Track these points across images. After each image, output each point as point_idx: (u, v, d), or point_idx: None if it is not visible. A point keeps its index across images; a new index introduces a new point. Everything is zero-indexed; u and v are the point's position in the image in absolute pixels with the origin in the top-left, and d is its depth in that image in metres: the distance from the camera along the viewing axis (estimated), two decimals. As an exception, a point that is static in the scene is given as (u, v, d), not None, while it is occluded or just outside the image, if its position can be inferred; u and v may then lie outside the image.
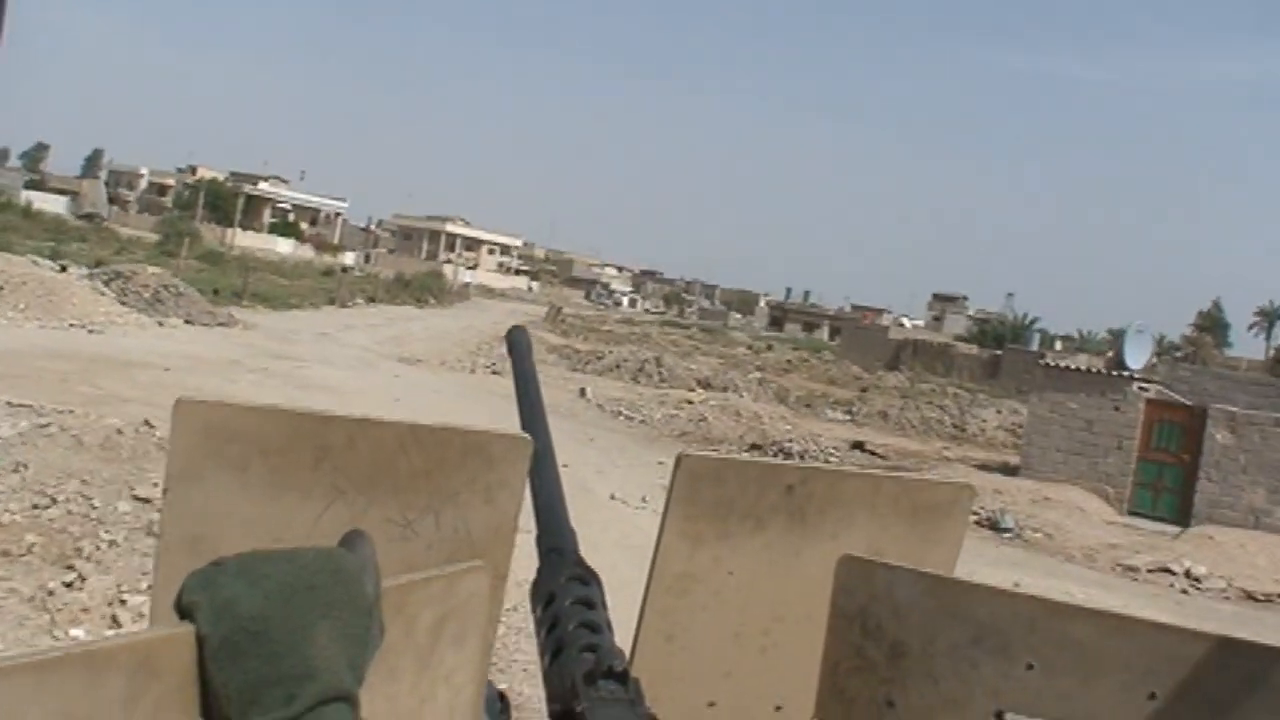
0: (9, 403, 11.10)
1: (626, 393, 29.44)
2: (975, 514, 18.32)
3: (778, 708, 1.48)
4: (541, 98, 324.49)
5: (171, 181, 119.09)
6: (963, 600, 1.31)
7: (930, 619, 1.33)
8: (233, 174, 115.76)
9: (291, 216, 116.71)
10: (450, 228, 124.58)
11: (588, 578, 1.10)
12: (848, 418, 33.79)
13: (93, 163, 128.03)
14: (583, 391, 28.16)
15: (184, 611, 0.81)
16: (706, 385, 33.20)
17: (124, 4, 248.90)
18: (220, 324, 29.55)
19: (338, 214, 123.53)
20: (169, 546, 1.13)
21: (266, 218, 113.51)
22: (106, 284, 28.97)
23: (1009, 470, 25.04)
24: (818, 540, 1.44)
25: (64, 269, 30.62)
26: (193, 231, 74.63)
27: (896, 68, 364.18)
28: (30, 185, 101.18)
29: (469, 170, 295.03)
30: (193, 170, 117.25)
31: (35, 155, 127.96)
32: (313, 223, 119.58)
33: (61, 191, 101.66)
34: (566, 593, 1.07)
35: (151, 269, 31.56)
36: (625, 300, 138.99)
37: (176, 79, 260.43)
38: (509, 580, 1.21)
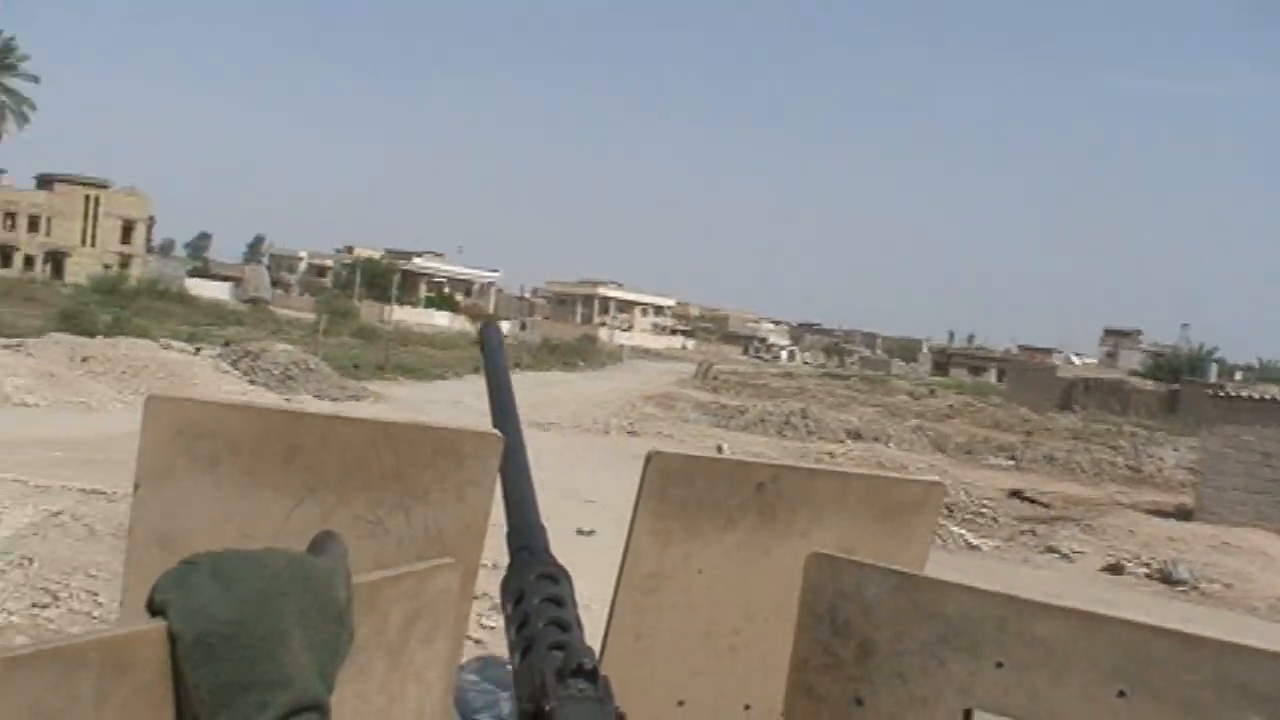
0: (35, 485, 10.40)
1: (768, 447, 28.26)
2: (1144, 566, 16.46)
3: (747, 706, 1.47)
4: (691, 158, 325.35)
5: (330, 262, 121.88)
6: (932, 598, 1.31)
7: (899, 617, 1.33)
8: (388, 251, 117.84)
9: (447, 289, 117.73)
10: (604, 291, 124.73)
11: (557, 575, 1.07)
12: (1010, 463, 31.82)
13: (255, 249, 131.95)
14: (719, 449, 26.88)
15: (156, 609, 0.83)
16: (856, 436, 31.70)
17: (279, 100, 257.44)
18: (351, 398, 29.18)
19: (491, 284, 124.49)
20: (139, 544, 1.12)
21: (423, 292, 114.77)
22: (235, 363, 28.77)
23: (1184, 514, 22.94)
24: (788, 538, 1.43)
25: (198, 350, 30.61)
26: (348, 309, 75.93)
27: (1050, 101, 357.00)
28: (194, 273, 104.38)
29: (621, 234, 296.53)
30: (349, 250, 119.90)
31: (199, 244, 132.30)
32: (467, 294, 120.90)
33: (225, 278, 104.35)
34: (536, 590, 1.04)
35: (281, 346, 31.54)
36: (784, 354, 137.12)
37: (332, 165, 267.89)
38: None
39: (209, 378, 26.07)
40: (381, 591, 1.05)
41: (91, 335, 29.95)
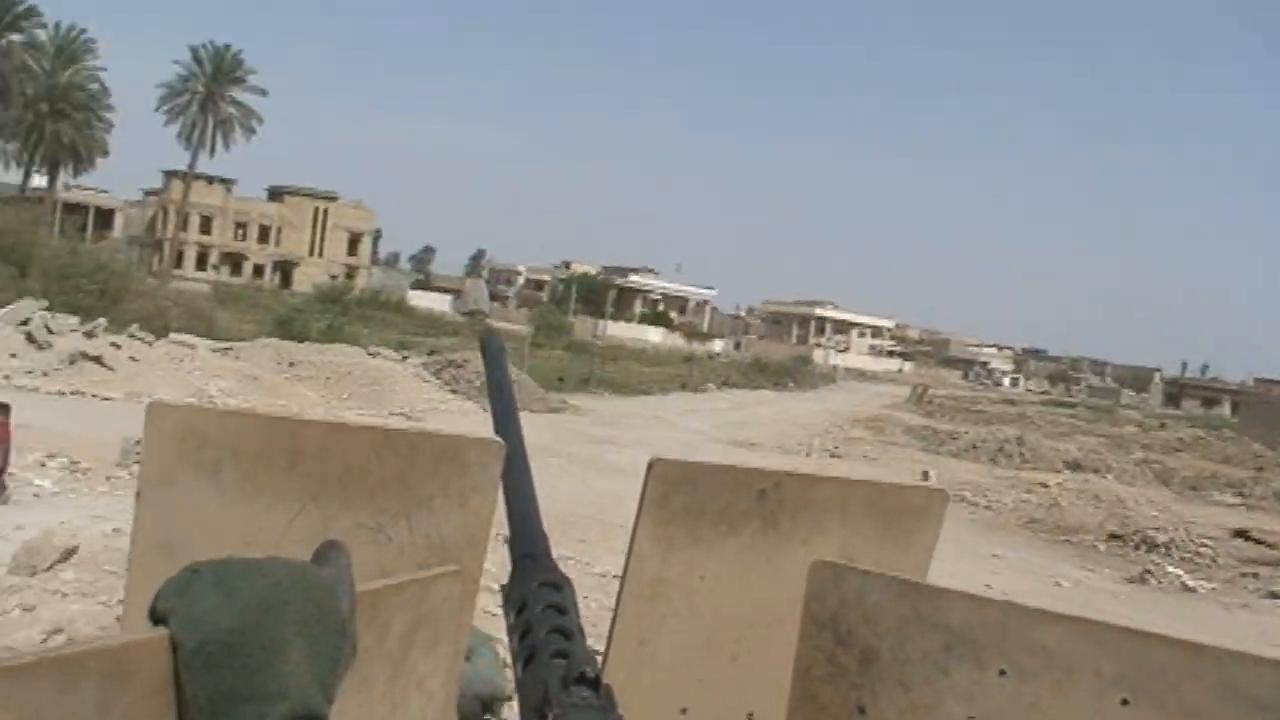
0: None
1: (979, 475, 27.09)
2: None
3: (750, 714, 1.48)
4: (912, 178, 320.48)
5: (547, 277, 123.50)
6: (935, 606, 1.32)
7: (902, 625, 1.34)
8: (604, 268, 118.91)
9: (661, 306, 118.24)
10: (820, 312, 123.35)
11: (560, 583, 1.07)
12: (1238, 500, 29.83)
13: (476, 263, 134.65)
14: (925, 475, 25.86)
15: (158, 617, 0.84)
16: (1075, 467, 30.11)
17: (505, 116, 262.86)
18: (551, 410, 29.04)
19: (705, 302, 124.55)
20: (141, 550, 1.14)
21: (638, 308, 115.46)
22: (437, 372, 28.99)
23: None
24: (790, 545, 1.44)
25: (405, 359, 31.01)
26: (561, 323, 76.91)
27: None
28: (416, 285, 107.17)
29: (840, 254, 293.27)
30: (567, 266, 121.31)
31: (422, 258, 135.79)
32: (682, 311, 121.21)
33: (446, 290, 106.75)
34: (539, 599, 1.04)
35: (464, 354, 31.58)
36: (1006, 380, 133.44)
37: (554, 181, 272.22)
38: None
39: (409, 385, 26.32)
40: (384, 599, 1.06)
41: (303, 341, 30.52)
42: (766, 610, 1.45)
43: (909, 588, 1.35)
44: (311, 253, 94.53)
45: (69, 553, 8.46)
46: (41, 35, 72.09)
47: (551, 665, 0.96)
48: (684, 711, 1.44)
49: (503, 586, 1.10)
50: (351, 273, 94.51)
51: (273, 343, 27.58)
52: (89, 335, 24.06)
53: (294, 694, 0.83)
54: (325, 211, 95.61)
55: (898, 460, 29.26)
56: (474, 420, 25.46)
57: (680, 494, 1.37)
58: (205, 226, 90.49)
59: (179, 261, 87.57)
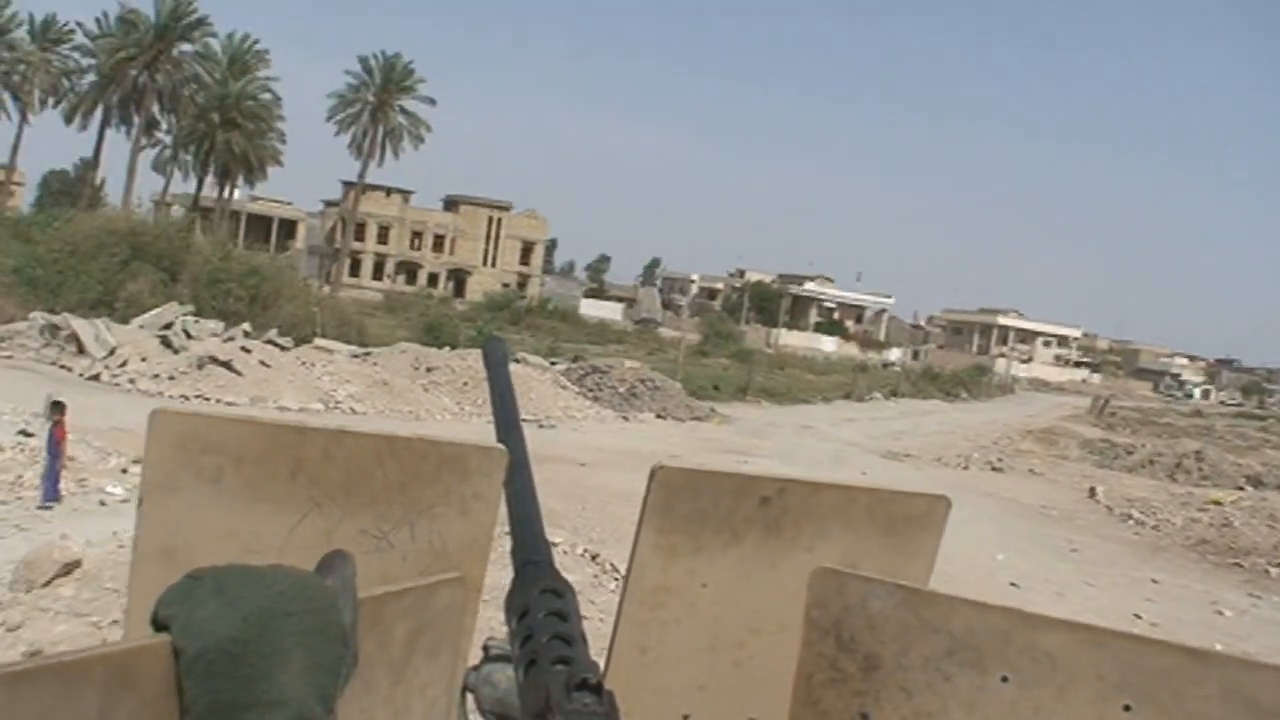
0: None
1: (1152, 492, 25.59)
2: None
3: None
4: (1103, 181, 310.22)
5: (721, 285, 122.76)
6: (937, 612, 1.33)
7: (904, 631, 1.35)
8: (780, 276, 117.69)
9: (836, 315, 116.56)
10: (1002, 320, 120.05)
11: (562, 590, 1.07)
12: None
13: (650, 271, 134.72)
14: (1092, 491, 24.28)
15: (160, 624, 0.85)
16: (1257, 483, 28.02)
17: (682, 123, 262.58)
18: (695, 418, 28.39)
19: (882, 311, 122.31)
20: (143, 557, 1.14)
21: (812, 317, 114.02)
22: (581, 379, 28.46)
23: None
24: (793, 552, 1.44)
25: (553, 364, 30.70)
26: (730, 331, 76.25)
27: None
28: (589, 294, 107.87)
29: (1023, 261, 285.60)
30: (741, 274, 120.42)
31: (598, 267, 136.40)
32: (858, 320, 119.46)
33: (619, 299, 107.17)
34: (540, 605, 1.04)
35: (630, 363, 31.11)
36: (1197, 391, 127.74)
37: (728, 189, 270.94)
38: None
39: (544, 391, 25.93)
40: (386, 606, 1.07)
41: (453, 347, 30.32)
42: (769, 617, 1.44)
43: (912, 594, 1.35)
44: (485, 262, 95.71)
45: (70, 567, 7.89)
46: (215, 45, 74.01)
47: (553, 672, 0.95)
48: (686, 717, 1.43)
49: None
50: (524, 281, 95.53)
51: (412, 348, 27.47)
52: (226, 340, 24.06)
53: (294, 704, 0.82)
54: (499, 221, 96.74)
55: (1066, 475, 28.15)
56: (605, 429, 24.80)
57: (682, 501, 1.37)
58: (382, 236, 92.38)
59: (356, 270, 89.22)
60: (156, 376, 20.80)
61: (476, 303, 79.24)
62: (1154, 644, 1.21)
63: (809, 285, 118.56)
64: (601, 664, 1.11)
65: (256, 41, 76.88)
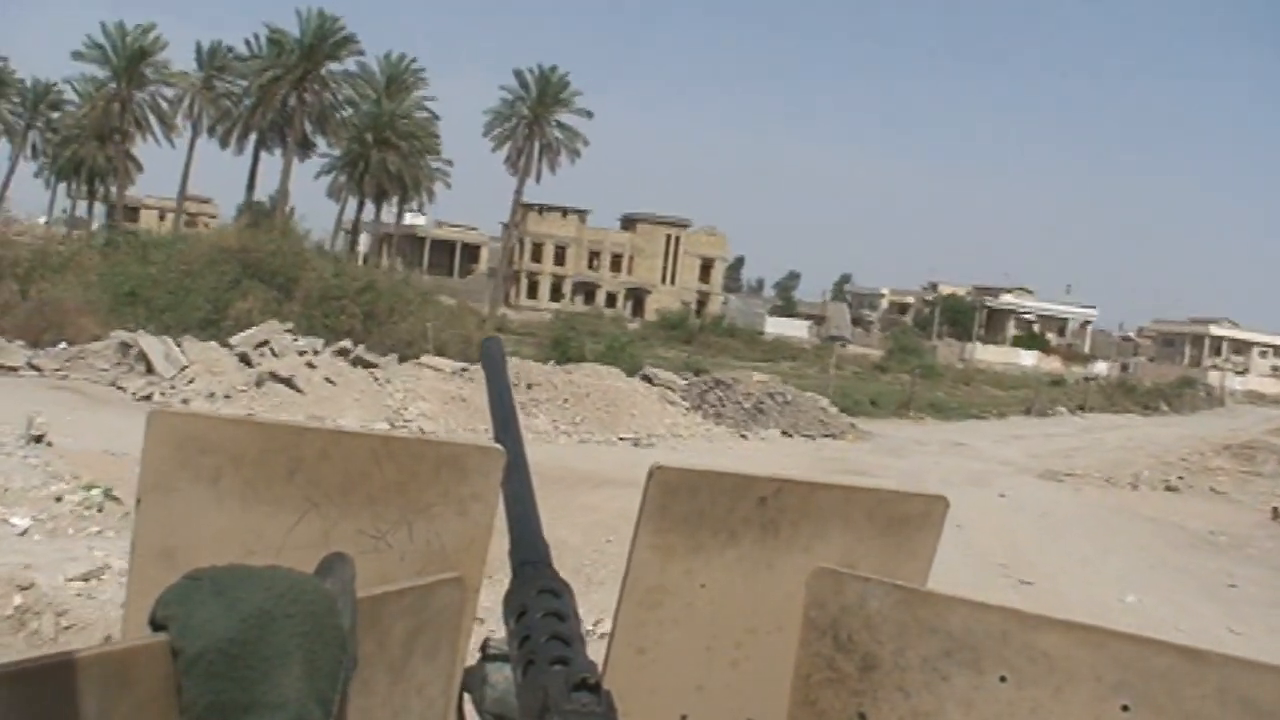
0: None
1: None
2: None
3: None
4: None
5: (911, 300, 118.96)
6: (935, 612, 1.34)
7: (902, 631, 1.36)
8: (975, 288, 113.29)
9: (1037, 328, 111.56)
10: (1215, 330, 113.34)
11: (560, 590, 1.08)
12: None
13: (840, 287, 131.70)
14: (1275, 513, 21.02)
15: (159, 624, 0.86)
16: None
17: (868, 135, 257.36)
18: (828, 435, 26.18)
19: (1086, 323, 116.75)
20: (141, 558, 1.15)
21: (1010, 330, 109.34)
22: (702, 394, 26.14)
23: None
24: (791, 553, 1.45)
25: (687, 382, 28.92)
26: (915, 346, 73.21)
27: None
28: (776, 311, 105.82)
29: (1239, 268, 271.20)
30: (933, 287, 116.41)
31: (786, 284, 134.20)
32: (1060, 333, 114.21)
33: (808, 316, 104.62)
34: (538, 605, 1.05)
35: (757, 377, 28.81)
36: None
37: (921, 200, 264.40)
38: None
39: (650, 407, 24.27)
40: (384, 606, 1.09)
41: (580, 362, 28.40)
42: (766, 617, 1.44)
43: (909, 594, 1.37)
44: (664, 280, 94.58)
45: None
46: (372, 65, 74.23)
47: (551, 672, 0.95)
48: (684, 717, 1.43)
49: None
50: (704, 299, 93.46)
51: (513, 363, 25.40)
52: (312, 354, 22.53)
53: (292, 706, 0.83)
54: (677, 239, 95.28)
55: (1253, 494, 25.22)
56: (711, 446, 22.48)
57: (680, 501, 1.36)
58: (559, 257, 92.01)
59: (534, 292, 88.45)
60: (212, 395, 19.56)
61: (650, 322, 77.61)
62: (1151, 644, 1.21)
63: (1006, 297, 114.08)
64: (600, 664, 1.08)
65: (414, 61, 77.16)
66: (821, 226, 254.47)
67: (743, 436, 24.97)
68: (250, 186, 72.65)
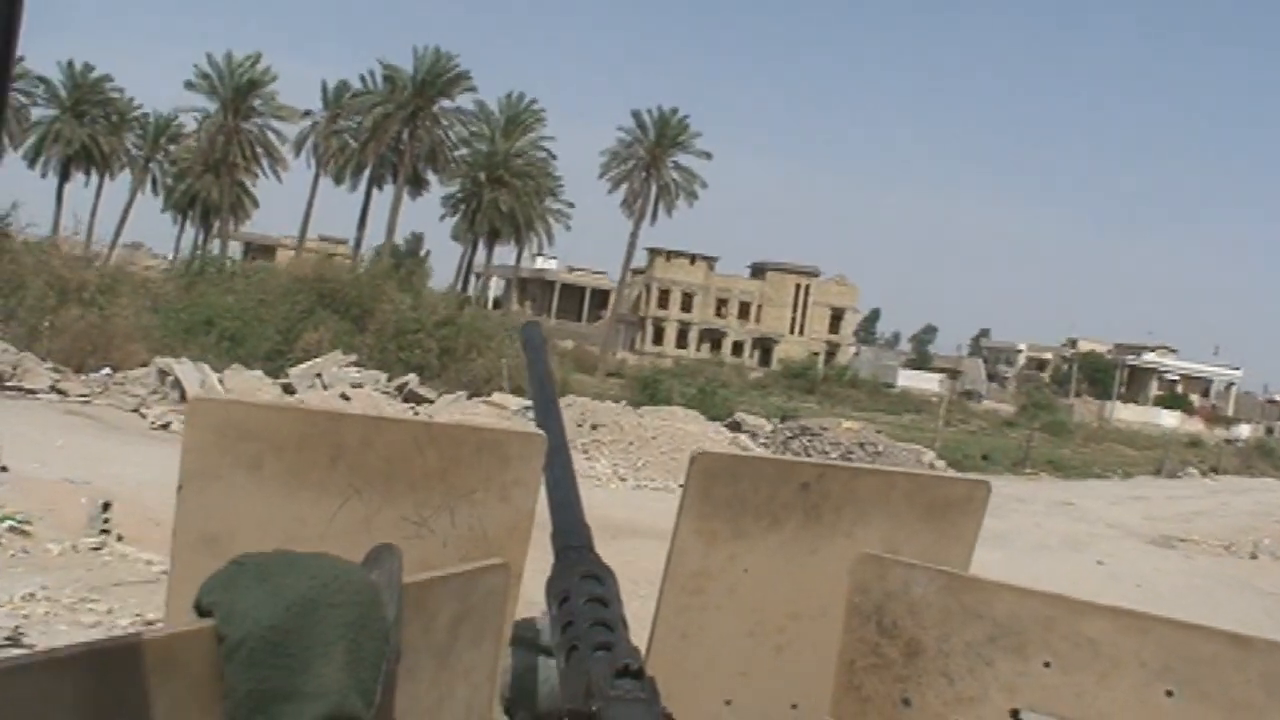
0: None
1: None
2: None
3: (794, 705, 1.48)
4: None
5: (1049, 356, 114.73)
6: (979, 598, 1.34)
7: (946, 617, 1.36)
8: (1115, 346, 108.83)
9: (1180, 388, 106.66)
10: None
11: (602, 575, 1.07)
12: None
13: (977, 342, 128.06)
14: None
15: (204, 610, 0.87)
16: None
17: (1009, 186, 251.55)
18: None
19: (1231, 384, 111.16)
20: (184, 544, 1.15)
21: (1152, 390, 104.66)
22: (786, 441, 24.14)
23: None
24: (833, 538, 1.45)
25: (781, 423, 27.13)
26: (1047, 403, 69.83)
27: None
28: (909, 365, 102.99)
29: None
30: (1072, 343, 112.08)
31: (922, 338, 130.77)
32: (1205, 394, 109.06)
33: (943, 370, 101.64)
34: (581, 591, 1.04)
35: (847, 424, 26.64)
36: None
37: (1062, 254, 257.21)
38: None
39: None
40: (430, 592, 1.08)
41: (667, 405, 26.63)
42: (809, 602, 1.44)
43: (953, 580, 1.36)
44: (792, 330, 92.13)
45: None
46: (491, 105, 73.27)
47: (595, 658, 0.94)
48: (728, 703, 1.42)
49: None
50: (833, 350, 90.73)
51: (581, 401, 23.87)
52: (373, 387, 21.13)
53: (333, 696, 0.83)
54: (806, 288, 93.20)
55: None
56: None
57: (723, 487, 1.35)
58: (686, 304, 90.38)
59: (659, 339, 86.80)
60: (229, 427, 17.76)
61: (773, 371, 75.48)
62: (1196, 630, 1.21)
63: (1148, 356, 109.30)
64: (643, 649, 1.09)
65: (534, 101, 75.96)
66: (961, 280, 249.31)
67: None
68: (361, 223, 71.73)
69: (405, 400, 22.35)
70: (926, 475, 1.57)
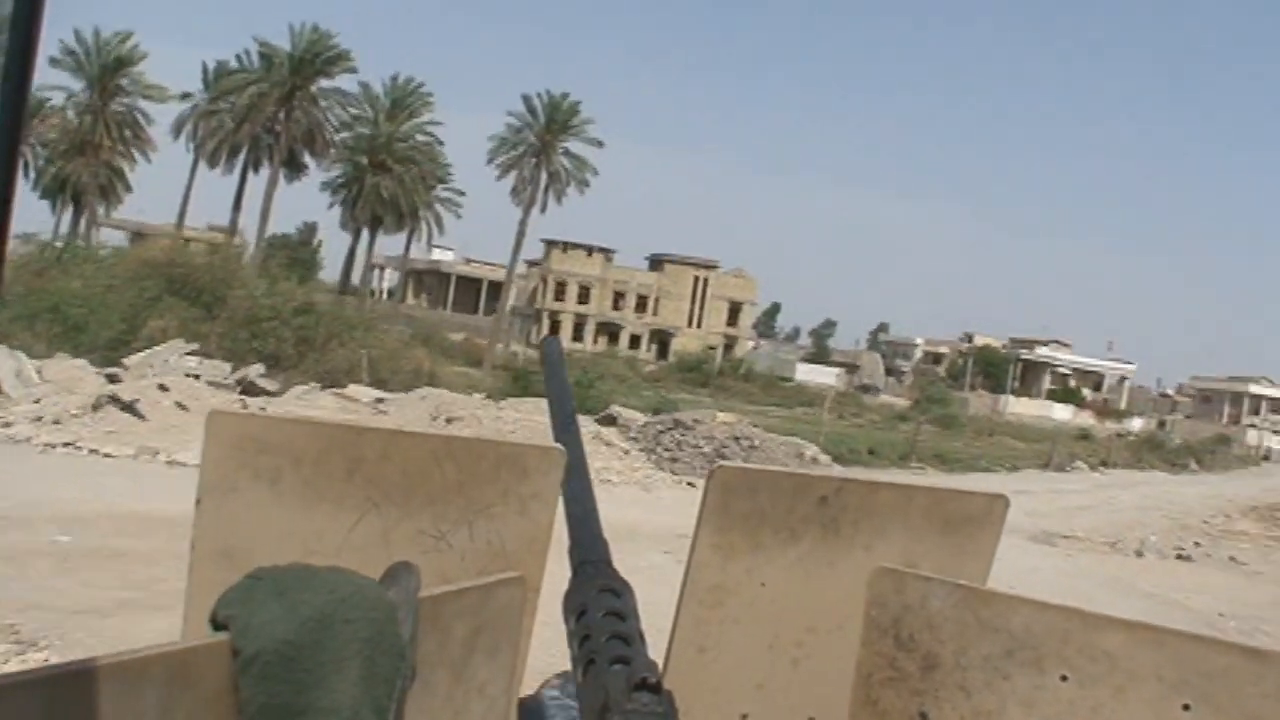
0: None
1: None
2: None
3: (811, 719, 1.50)
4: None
5: (946, 350, 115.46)
6: (996, 612, 1.35)
7: (964, 630, 1.37)
8: (1011, 340, 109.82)
9: (1072, 382, 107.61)
10: (1254, 389, 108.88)
11: (620, 589, 1.07)
12: None
13: (876, 337, 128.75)
14: (1299, 591, 17.68)
15: (220, 624, 0.86)
16: None
17: (910, 184, 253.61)
18: None
19: (1123, 378, 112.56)
20: (201, 558, 1.15)
21: (1046, 383, 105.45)
22: (658, 435, 22.79)
23: None
24: (851, 551, 1.46)
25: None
26: (942, 396, 69.66)
27: None
28: (809, 359, 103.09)
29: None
30: (969, 338, 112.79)
31: (822, 332, 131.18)
32: (1097, 388, 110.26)
33: (841, 364, 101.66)
34: (599, 605, 1.04)
35: (722, 417, 25.66)
36: None
37: (960, 251, 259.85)
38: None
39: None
40: (445, 606, 1.07)
41: (540, 397, 25.14)
42: (827, 616, 1.44)
43: (971, 593, 1.36)
44: (690, 323, 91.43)
45: None
46: (376, 87, 71.04)
47: (612, 672, 0.95)
48: (745, 716, 1.42)
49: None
50: (731, 343, 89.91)
51: (435, 394, 22.51)
52: (221, 379, 19.72)
53: (345, 712, 0.82)
54: (705, 281, 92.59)
55: (1277, 566, 22.54)
56: (631, 493, 19.09)
57: (741, 500, 1.36)
58: (583, 296, 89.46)
59: (555, 331, 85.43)
60: (39, 420, 16.32)
61: (669, 364, 74.48)
62: (1212, 643, 1.22)
63: (1042, 350, 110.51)
64: (660, 663, 1.09)
65: (421, 84, 73.54)
66: (860, 276, 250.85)
67: (689, 485, 21.45)
68: (236, 207, 68.44)
69: (243, 393, 20.85)
70: (945, 490, 1.50)
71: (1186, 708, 1.19)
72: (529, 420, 22.36)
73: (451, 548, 1.20)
